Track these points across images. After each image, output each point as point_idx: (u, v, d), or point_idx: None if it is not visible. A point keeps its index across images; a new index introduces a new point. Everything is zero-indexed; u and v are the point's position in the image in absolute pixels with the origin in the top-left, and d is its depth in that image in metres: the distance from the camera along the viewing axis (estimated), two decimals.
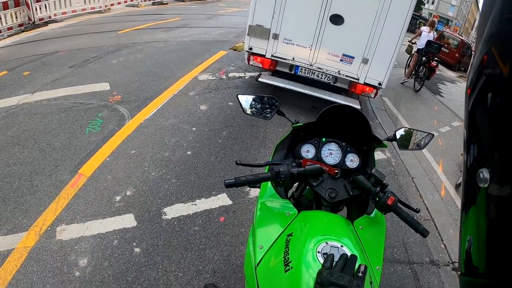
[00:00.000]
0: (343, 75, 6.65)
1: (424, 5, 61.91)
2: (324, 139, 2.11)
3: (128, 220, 3.76)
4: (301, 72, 6.85)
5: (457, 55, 22.96)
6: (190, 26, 14.46)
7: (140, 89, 6.91)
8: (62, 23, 14.25)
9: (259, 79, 6.97)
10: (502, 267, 0.68)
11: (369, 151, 2.14)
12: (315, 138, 2.12)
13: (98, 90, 6.69)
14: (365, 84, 6.62)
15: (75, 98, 6.34)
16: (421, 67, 11.71)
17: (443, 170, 6.73)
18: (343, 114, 2.10)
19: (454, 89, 15.75)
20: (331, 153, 2.09)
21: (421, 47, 11.64)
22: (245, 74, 8.61)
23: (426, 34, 11.81)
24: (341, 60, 6.54)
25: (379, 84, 6.55)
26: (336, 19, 6.26)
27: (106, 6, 17.66)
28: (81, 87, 6.80)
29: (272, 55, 6.78)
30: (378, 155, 6.33)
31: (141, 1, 20.67)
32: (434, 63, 11.76)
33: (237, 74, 8.53)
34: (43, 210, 3.79)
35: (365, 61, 6.44)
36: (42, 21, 13.89)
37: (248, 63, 7.08)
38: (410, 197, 5.42)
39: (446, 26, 70.03)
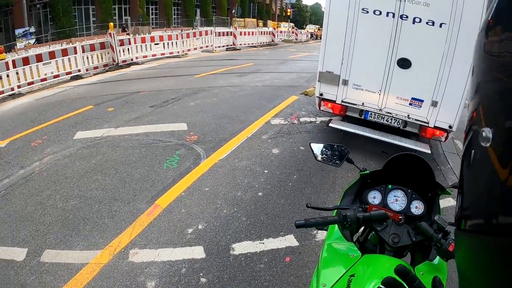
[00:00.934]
0: (412, 119, 6.59)
1: None
2: (390, 186, 2.17)
3: (197, 252, 4.03)
4: (371, 117, 6.88)
5: None
6: (262, 71, 15.19)
7: (215, 130, 7.39)
8: (143, 65, 15.55)
9: (330, 125, 7.07)
10: (500, 224, 0.70)
11: (434, 198, 2.16)
12: (382, 185, 2.19)
13: (176, 130, 7.27)
14: (435, 127, 6.49)
15: (155, 135, 6.96)
16: None
17: None
18: (408, 162, 2.16)
19: None
20: (397, 200, 2.14)
21: None
22: (316, 119, 8.83)
23: None
24: (410, 104, 6.51)
25: (450, 127, 6.39)
26: (404, 63, 6.31)
27: (183, 51, 19.07)
28: (160, 125, 7.46)
29: (342, 101, 6.90)
30: (449, 201, 6.24)
31: (216, 47, 21.95)
32: None
33: (308, 119, 8.77)
34: (119, 233, 4.21)
35: (434, 104, 6.35)
36: (125, 63, 15.31)
37: (319, 109, 7.27)
38: None
39: None
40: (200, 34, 21.23)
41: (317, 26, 67.17)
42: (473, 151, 0.81)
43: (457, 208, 0.90)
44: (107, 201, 4.82)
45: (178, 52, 18.78)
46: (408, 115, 6.57)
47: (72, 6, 36.40)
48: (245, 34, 26.31)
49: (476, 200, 0.81)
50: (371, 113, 6.85)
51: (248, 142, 7.00)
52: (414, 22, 6.08)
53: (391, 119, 6.77)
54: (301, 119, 8.69)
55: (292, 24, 52.14)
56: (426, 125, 6.53)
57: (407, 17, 6.10)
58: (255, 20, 51.62)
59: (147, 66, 15.38)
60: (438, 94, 6.28)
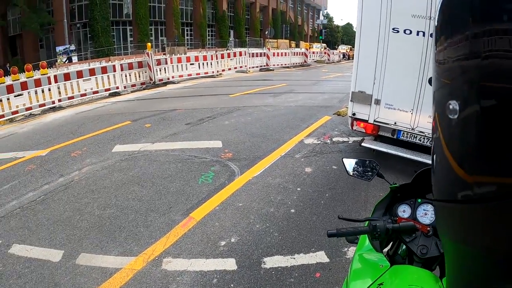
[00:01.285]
0: None
1: None
2: (419, 200, 2.17)
3: (229, 264, 4.10)
4: (403, 136, 6.82)
5: None
6: (295, 92, 15.32)
7: (249, 149, 7.52)
8: (178, 84, 16.02)
9: (362, 144, 7.09)
10: (472, 190, 0.79)
11: None
12: (411, 199, 2.20)
13: (211, 147, 7.44)
14: None
15: (191, 151, 7.17)
16: None
17: None
18: None
19: None
20: (426, 214, 2.13)
21: None
22: (348, 138, 8.82)
23: None
24: None
25: None
26: None
27: (218, 71, 19.51)
28: (196, 142, 7.67)
29: (374, 120, 6.85)
30: None
31: (249, 68, 22.36)
32: None
33: (340, 139, 8.77)
34: (154, 242, 4.35)
35: None
36: (162, 82, 15.82)
37: (352, 128, 7.28)
38: None
39: None
40: (234, 55, 21.75)
41: (349, 46, 67.01)
42: (434, 155, 0.99)
43: (433, 177, 1.03)
44: (143, 211, 5.00)
45: (213, 72, 19.24)
46: None
47: (111, 26, 37.91)
48: (278, 55, 26.68)
49: (441, 175, 0.94)
50: (403, 133, 6.80)
51: (281, 160, 7.08)
52: None
53: (424, 138, 6.70)
54: (334, 139, 8.71)
55: (324, 44, 52.24)
56: None
57: None
58: (287, 41, 52.18)
59: (182, 85, 15.84)
60: None
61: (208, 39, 51.88)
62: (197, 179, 6.00)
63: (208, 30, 52.74)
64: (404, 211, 2.19)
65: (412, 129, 6.65)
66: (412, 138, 6.77)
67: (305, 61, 31.14)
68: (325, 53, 40.64)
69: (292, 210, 5.26)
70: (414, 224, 1.94)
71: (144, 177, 6.00)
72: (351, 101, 6.96)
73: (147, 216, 4.89)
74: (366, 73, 6.68)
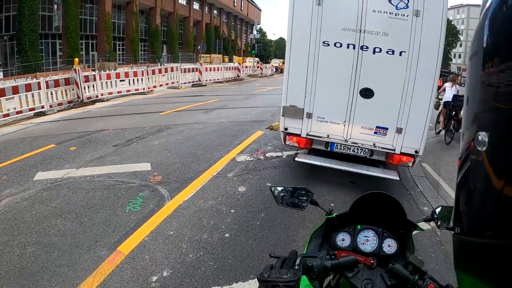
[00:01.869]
0: (378, 147, 6.70)
1: (451, 60, 62.81)
2: (359, 227, 2.09)
3: None
4: (337, 148, 6.93)
5: None
6: (228, 107, 15.31)
7: (180, 170, 7.24)
8: (108, 102, 15.39)
9: (296, 159, 7.12)
10: (494, 227, 0.76)
11: (407, 234, 2.10)
12: (350, 226, 2.10)
13: (139, 170, 7.07)
14: (402, 154, 6.61)
15: (118, 176, 6.74)
16: (450, 120, 12.25)
17: None
18: (377, 200, 2.09)
19: None
20: (368, 240, 2.06)
21: (446, 100, 12.42)
22: (282, 153, 8.82)
23: (450, 89, 12.53)
24: (375, 133, 6.62)
25: (416, 152, 6.54)
26: (366, 93, 6.43)
27: (149, 88, 19.00)
28: (123, 166, 7.25)
29: (307, 134, 6.90)
30: (421, 225, 6.16)
31: (181, 83, 22.03)
32: (461, 115, 11.68)
33: (274, 154, 8.74)
34: (79, 283, 3.93)
35: (399, 130, 6.49)
36: (90, 100, 15.08)
37: (285, 143, 7.25)
38: None
39: None
40: (166, 71, 21.31)
41: (282, 60, 68.31)
42: (468, 165, 0.86)
43: (453, 213, 0.96)
44: (67, 247, 4.54)
45: (144, 88, 18.68)
46: (374, 144, 6.69)
47: (39, 40, 35.84)
48: (210, 70, 26.64)
49: (472, 206, 0.87)
50: (336, 145, 6.91)
51: (213, 181, 6.87)
52: (374, 52, 6.25)
53: (357, 149, 6.85)
54: (267, 154, 8.68)
55: (257, 59, 52.83)
56: (393, 152, 6.64)
57: (367, 47, 6.26)
58: (221, 55, 52.30)
59: (112, 103, 15.21)
60: (402, 121, 6.43)
61: (141, 54, 50.83)
62: (125, 207, 5.63)
63: (141, 45, 51.79)
64: (343, 239, 2.08)
65: (345, 140, 6.82)
66: (346, 149, 6.90)
67: (238, 76, 31.27)
68: (258, 67, 41.12)
69: (227, 235, 5.07)
70: (356, 258, 1.82)
71: (67, 208, 5.52)
72: (282, 115, 6.97)
73: (71, 253, 4.44)
74: (297, 87, 6.70)
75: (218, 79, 27.35)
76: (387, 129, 6.56)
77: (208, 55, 49.95)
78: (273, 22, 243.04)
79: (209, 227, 5.23)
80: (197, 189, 6.41)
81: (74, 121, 11.51)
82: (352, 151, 6.89)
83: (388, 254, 2.03)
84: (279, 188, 2.35)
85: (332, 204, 6.40)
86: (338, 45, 6.34)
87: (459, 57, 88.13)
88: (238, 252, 4.71)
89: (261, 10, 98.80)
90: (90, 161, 7.41)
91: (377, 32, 6.16)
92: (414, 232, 2.11)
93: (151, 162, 7.50)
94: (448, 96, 12.36)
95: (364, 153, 6.87)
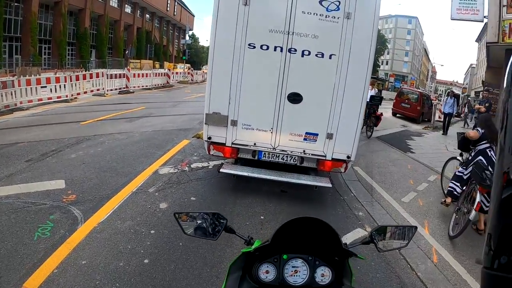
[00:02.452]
0: (309, 154, 6.56)
1: (379, 67, 65.94)
2: (285, 256, 1.84)
3: None
4: (265, 157, 6.71)
5: (418, 108, 24.71)
6: (154, 115, 14.86)
7: (97, 187, 6.72)
8: (27, 111, 14.32)
9: (221, 170, 6.74)
10: None
11: (343, 261, 1.92)
12: (275, 256, 1.85)
13: (52, 189, 6.45)
14: (333, 160, 6.53)
15: (28, 196, 6.08)
16: (370, 117, 14.67)
17: (430, 232, 6.44)
18: (304, 225, 1.85)
19: (423, 141, 16.49)
20: (296, 271, 1.82)
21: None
22: (208, 163, 8.55)
23: (369, 91, 13.45)
24: (304, 139, 6.47)
25: (348, 157, 6.50)
26: (294, 98, 6.28)
27: (72, 95, 17.95)
28: (35, 184, 6.57)
29: (232, 143, 6.61)
30: (358, 232, 6.06)
31: (107, 90, 21.11)
32: (378, 112, 15.21)
33: (200, 165, 8.46)
34: None
35: (329, 136, 6.41)
36: (7, 109, 13.88)
37: (209, 153, 6.90)
38: (400, 272, 5.06)
39: (403, 82, 74.98)
40: (91, 77, 20.18)
41: None
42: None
43: (486, 247, 0.94)
44: None
45: (67, 96, 17.53)
46: (304, 151, 6.55)
47: None
48: (139, 76, 25.71)
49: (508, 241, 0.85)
50: (264, 153, 6.69)
51: (132, 198, 6.42)
52: (303, 55, 6.12)
53: (286, 156, 6.68)
54: (193, 165, 8.40)
55: (188, 65, 52.25)
56: (324, 158, 6.55)
57: (295, 50, 6.12)
58: (151, 61, 50.94)
59: (31, 112, 14.06)
60: (332, 126, 6.37)
61: (68, 58, 48.46)
62: (33, 233, 5.00)
63: (68, 49, 49.54)
64: (267, 271, 1.83)
65: (274, 148, 6.64)
66: (275, 157, 6.71)
67: (167, 82, 30.61)
68: (188, 73, 40.54)
69: (146, 261, 4.66)
70: None
71: None
72: (205, 124, 6.60)
73: None
74: (220, 92, 6.37)
75: (146, 86, 26.45)
76: (317, 135, 6.45)
77: (138, 61, 48.72)
78: (207, 28, 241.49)
79: (126, 253, 4.78)
80: (114, 208, 5.95)
81: None
82: (281, 159, 6.71)
83: (322, 285, 1.84)
84: (186, 214, 2.06)
85: (262, 217, 6.27)
86: (264, 47, 6.14)
87: (387, 63, 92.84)
88: (158, 281, 4.32)
89: (194, 16, 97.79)
90: None
91: (306, 34, 6.05)
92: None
93: (66, 179, 6.89)
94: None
95: (294, 160, 6.69)
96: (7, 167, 7.28)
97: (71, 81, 18.01)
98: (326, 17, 5.97)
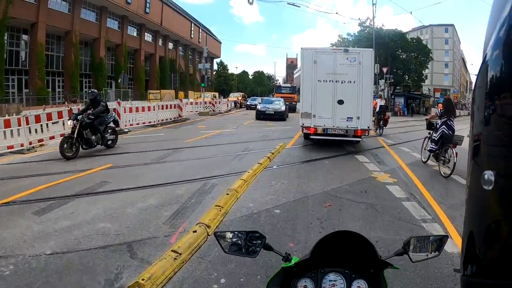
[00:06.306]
0: (350, 127, 13.00)
1: (424, 82, 61.96)
2: (323, 270, 1.72)
3: None
4: (329, 131, 13.18)
5: None
6: (99, 192, 7.67)
7: None
8: None
9: (311, 137, 13.76)
10: (502, 268, 0.78)
11: (378, 273, 1.72)
12: (313, 271, 1.73)
13: None
14: (361, 129, 12.98)
15: None
16: (380, 121, 20.04)
17: None
18: (341, 240, 1.72)
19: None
20: (334, 285, 1.69)
21: (377, 110, 20.12)
22: None
23: (379, 101, 21.15)
24: (347, 120, 12.93)
25: (368, 127, 13.21)
26: (341, 101, 12.84)
27: (30, 143, 12.00)
28: None
29: (313, 125, 13.19)
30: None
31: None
32: (386, 116, 20.69)
33: None
34: None
35: (358, 118, 12.86)
36: None
37: (302, 132, 14.01)
38: None
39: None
40: (61, 116, 13.96)
41: (241, 93, 62.35)
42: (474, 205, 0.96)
43: (462, 254, 1.01)
44: None
45: (22, 145, 11.86)
46: (347, 126, 12.97)
47: None
48: (137, 111, 19.61)
49: (479, 248, 0.91)
50: (329, 129, 13.12)
51: None
52: (342, 82, 12.76)
53: (340, 130, 13.08)
54: None
55: (215, 93, 46.88)
56: (357, 129, 12.96)
57: (338, 81, 12.78)
58: (172, 91, 45.24)
59: None
60: (358, 113, 12.82)
61: (85, 90, 43.58)
62: None
63: (84, 81, 45.31)
64: (305, 286, 1.71)
65: (333, 126, 13.03)
66: (334, 131, 13.12)
67: (179, 116, 24.52)
68: (210, 103, 34.49)
69: None
70: None
71: None
72: (301, 117, 13.35)
73: None
74: (307, 102, 13.15)
75: (149, 122, 20.35)
76: (352, 118, 12.88)
77: (158, 91, 43.50)
78: (236, 54, 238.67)
79: None
80: None
81: None
82: (337, 131, 13.11)
83: None
84: (226, 232, 1.84)
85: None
86: (324, 81, 12.87)
87: (426, 78, 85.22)
88: None
89: (220, 43, 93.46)
90: None
91: (342, 73, 12.69)
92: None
93: None
94: (378, 106, 20.33)
95: (343, 131, 13.07)
96: None
97: (27, 124, 12.16)
98: (350, 64, 12.68)
